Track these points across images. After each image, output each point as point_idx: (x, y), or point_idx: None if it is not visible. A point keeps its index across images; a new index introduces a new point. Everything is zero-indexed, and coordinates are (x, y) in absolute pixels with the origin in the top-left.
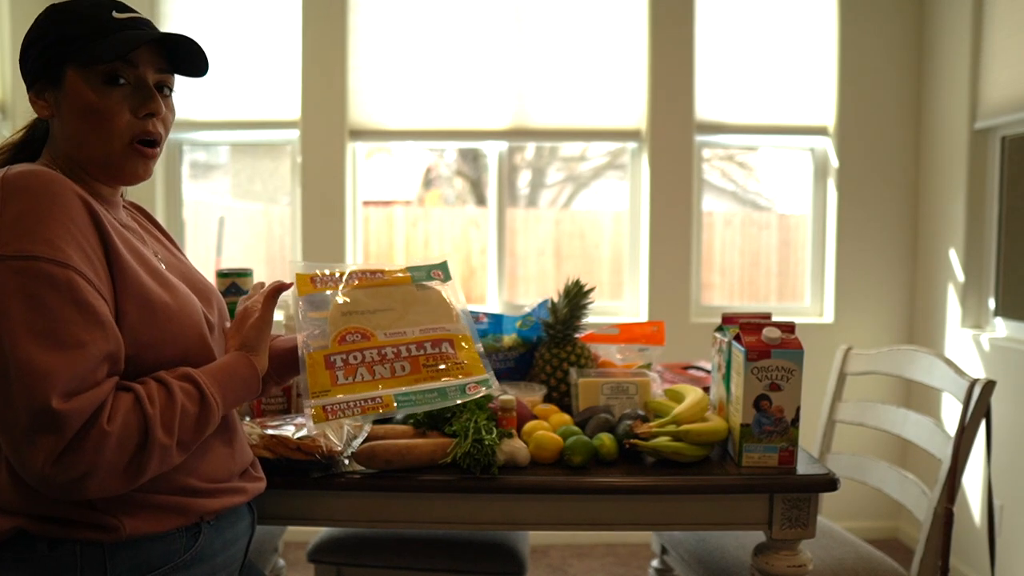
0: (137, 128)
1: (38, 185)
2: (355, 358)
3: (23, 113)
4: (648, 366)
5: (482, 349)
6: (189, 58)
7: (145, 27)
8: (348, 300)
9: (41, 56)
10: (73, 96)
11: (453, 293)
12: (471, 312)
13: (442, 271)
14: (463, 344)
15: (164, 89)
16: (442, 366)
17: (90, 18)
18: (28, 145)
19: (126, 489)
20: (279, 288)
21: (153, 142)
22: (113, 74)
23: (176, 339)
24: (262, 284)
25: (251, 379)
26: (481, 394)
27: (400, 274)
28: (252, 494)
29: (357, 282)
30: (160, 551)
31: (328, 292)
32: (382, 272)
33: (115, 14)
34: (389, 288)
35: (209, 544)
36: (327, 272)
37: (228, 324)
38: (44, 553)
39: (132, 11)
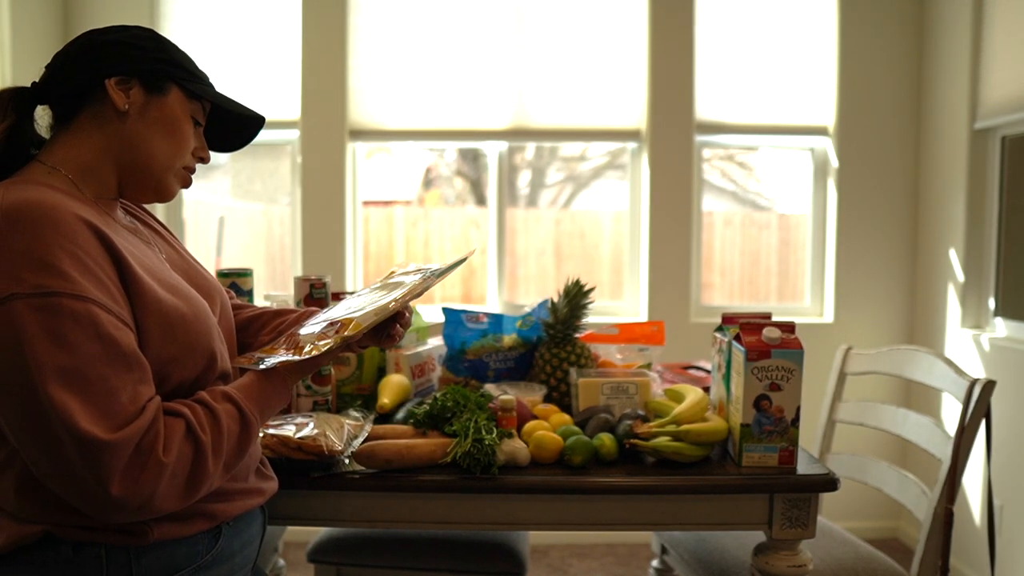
0: (189, 160)
1: (40, 215)
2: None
3: None
4: (648, 366)
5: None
6: (227, 136)
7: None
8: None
9: (152, 60)
10: (170, 109)
11: (421, 278)
12: (471, 312)
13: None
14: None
15: None
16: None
17: (192, 61)
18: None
19: (177, 509)
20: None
21: (192, 171)
22: (198, 116)
23: (194, 349)
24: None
25: (283, 391)
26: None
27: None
28: (268, 495)
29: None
30: (184, 553)
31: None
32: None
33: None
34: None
35: (228, 545)
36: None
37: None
38: (68, 556)
39: None
